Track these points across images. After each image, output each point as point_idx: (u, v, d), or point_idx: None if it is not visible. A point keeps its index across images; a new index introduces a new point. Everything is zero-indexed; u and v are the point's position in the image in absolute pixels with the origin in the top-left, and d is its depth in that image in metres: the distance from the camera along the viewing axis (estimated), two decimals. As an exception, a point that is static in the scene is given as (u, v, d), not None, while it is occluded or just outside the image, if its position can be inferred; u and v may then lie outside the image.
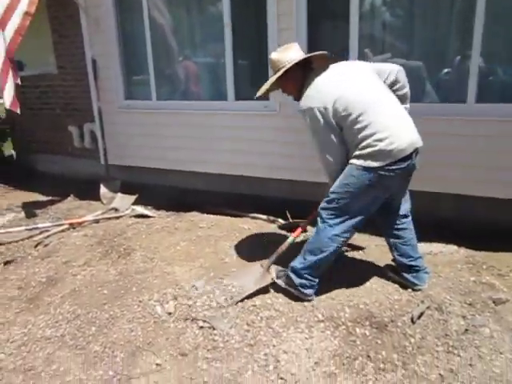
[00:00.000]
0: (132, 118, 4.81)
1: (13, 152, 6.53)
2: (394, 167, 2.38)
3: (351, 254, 3.30)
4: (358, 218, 2.57)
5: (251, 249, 3.41)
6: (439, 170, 3.40)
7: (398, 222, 2.74)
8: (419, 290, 2.74)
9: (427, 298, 2.65)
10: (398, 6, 3.58)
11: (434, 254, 3.26)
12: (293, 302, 2.69)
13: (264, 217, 4.06)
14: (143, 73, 4.74)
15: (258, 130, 4.08)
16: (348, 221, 2.56)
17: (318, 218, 2.65)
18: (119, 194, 4.85)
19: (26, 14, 3.91)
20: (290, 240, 2.96)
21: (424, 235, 3.31)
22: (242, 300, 2.72)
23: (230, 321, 2.57)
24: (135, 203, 4.63)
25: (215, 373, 2.21)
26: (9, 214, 4.67)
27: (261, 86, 2.74)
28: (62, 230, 4.06)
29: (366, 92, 2.47)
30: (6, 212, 4.74)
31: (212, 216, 4.18)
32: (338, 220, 2.56)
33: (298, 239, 2.98)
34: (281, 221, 3.91)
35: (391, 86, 2.59)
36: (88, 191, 5.00)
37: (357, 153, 2.43)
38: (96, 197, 4.89)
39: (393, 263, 2.91)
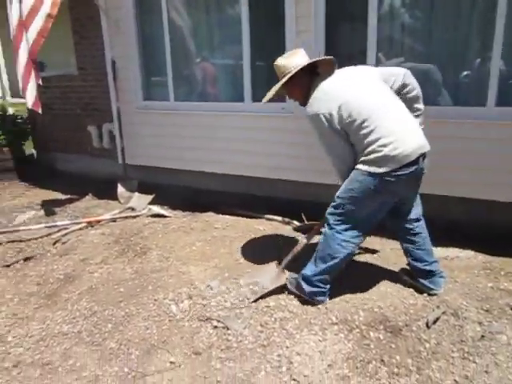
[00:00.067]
0: (150, 119, 4.87)
1: (33, 151, 6.65)
2: (399, 173, 2.36)
3: (366, 257, 3.29)
4: (366, 223, 2.57)
5: (266, 250, 3.42)
6: (457, 173, 3.36)
7: (409, 226, 2.71)
8: (435, 294, 2.71)
9: (443, 303, 2.62)
10: (417, 8, 3.55)
11: (451, 258, 3.22)
12: (307, 304, 2.69)
13: (279, 218, 4.07)
14: (161, 74, 4.79)
15: (274, 132, 4.08)
16: (355, 226, 2.56)
17: (326, 224, 2.65)
18: (136, 194, 4.91)
19: (49, 16, 3.99)
20: (305, 240, 2.96)
21: (440, 240, 3.29)
22: (256, 300, 2.74)
23: (243, 321, 2.58)
24: (152, 203, 4.68)
25: (228, 372, 2.22)
26: (29, 211, 4.77)
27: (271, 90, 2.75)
28: (80, 228, 4.14)
29: (371, 98, 2.47)
30: (27, 209, 4.84)
31: (227, 217, 4.21)
32: (345, 226, 2.56)
33: (314, 240, 2.97)
34: (296, 223, 3.91)
35: (400, 89, 2.57)
36: (106, 190, 5.07)
37: (362, 158, 2.42)
38: (113, 196, 4.96)
39: (408, 267, 2.89)
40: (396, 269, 3.00)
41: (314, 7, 3.65)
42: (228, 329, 2.52)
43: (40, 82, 4.18)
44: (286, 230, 3.82)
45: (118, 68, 4.91)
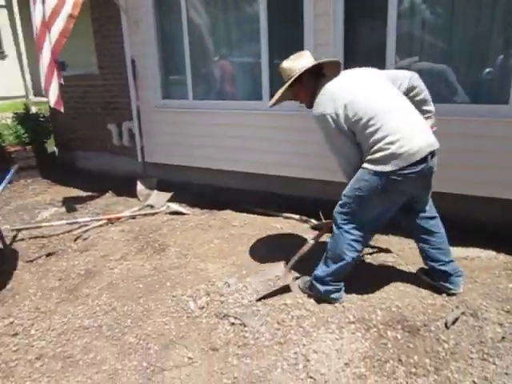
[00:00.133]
0: (168, 117, 4.91)
1: (55, 149, 6.78)
2: (406, 171, 2.34)
3: (384, 256, 3.27)
4: (374, 222, 2.56)
5: (283, 248, 3.43)
6: (478, 172, 3.31)
7: (425, 225, 2.68)
8: (453, 294, 2.68)
9: (462, 304, 2.59)
10: (438, 4, 3.50)
11: (471, 259, 3.18)
12: (323, 303, 2.69)
13: (297, 216, 4.07)
14: (180, 73, 4.83)
15: (293, 131, 4.08)
16: (363, 225, 2.55)
17: (334, 224, 2.64)
18: (155, 191, 4.96)
19: (70, 16, 4.06)
20: (310, 243, 2.94)
21: (461, 240, 3.25)
22: (260, 299, 2.75)
23: (260, 318, 2.60)
24: (170, 200, 4.73)
25: (245, 369, 2.24)
26: (51, 208, 4.87)
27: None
28: (101, 225, 4.21)
29: (376, 96, 2.46)
30: (49, 206, 4.94)
31: (245, 214, 4.23)
32: (352, 225, 2.55)
33: (322, 239, 2.98)
34: (313, 221, 3.90)
35: (407, 92, 2.57)
36: (125, 188, 5.14)
37: (369, 157, 2.41)
38: (133, 193, 5.02)
39: (426, 267, 2.86)
40: (415, 268, 2.98)
41: (332, 5, 3.64)
42: (245, 326, 2.54)
43: (62, 82, 4.26)
44: (304, 229, 3.83)
45: (138, 67, 4.97)
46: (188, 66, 4.70)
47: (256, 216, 4.18)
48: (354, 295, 2.73)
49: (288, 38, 4.13)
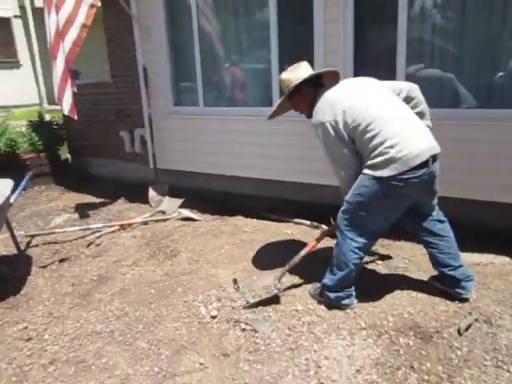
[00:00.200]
0: (180, 124, 4.96)
1: (68, 156, 6.87)
2: (406, 176, 2.33)
3: (396, 262, 3.25)
4: (377, 228, 2.55)
5: (293, 254, 3.43)
6: (491, 177, 3.28)
7: (431, 229, 2.66)
8: (465, 299, 2.65)
9: (475, 310, 2.56)
10: (449, 9, 3.49)
11: (484, 264, 3.14)
12: (335, 309, 2.68)
13: (307, 222, 4.07)
14: (191, 80, 4.88)
15: (305, 137, 4.08)
16: (366, 231, 2.54)
17: (337, 231, 2.64)
18: (167, 198, 5.00)
19: (83, 26, 4.13)
20: (302, 253, 2.92)
21: (474, 245, 3.23)
22: (248, 307, 2.75)
23: (271, 324, 2.59)
24: (182, 206, 4.75)
25: (256, 375, 2.24)
26: (64, 214, 4.93)
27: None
28: (113, 231, 4.25)
29: (374, 103, 2.47)
30: (62, 212, 5.00)
31: (256, 220, 4.24)
32: (355, 232, 2.54)
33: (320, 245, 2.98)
34: (324, 227, 3.89)
35: (405, 102, 2.57)
36: (137, 194, 5.19)
37: (369, 162, 2.41)
38: (145, 200, 5.06)
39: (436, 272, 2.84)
40: (427, 274, 2.95)
41: (342, 12, 3.65)
42: (256, 331, 2.54)
43: (75, 90, 4.33)
44: (315, 234, 3.81)
45: (150, 75, 5.03)
46: (199, 73, 4.74)
47: (267, 222, 4.18)
48: (366, 301, 2.72)
49: (298, 45, 4.16)
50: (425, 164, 2.35)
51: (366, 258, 3.22)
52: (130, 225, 4.37)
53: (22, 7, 12.52)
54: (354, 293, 2.68)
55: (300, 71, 2.69)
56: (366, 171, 2.43)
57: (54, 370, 2.40)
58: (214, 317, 2.71)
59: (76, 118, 4.41)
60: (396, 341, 2.39)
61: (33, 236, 4.22)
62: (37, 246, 4.05)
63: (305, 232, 3.90)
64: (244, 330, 2.57)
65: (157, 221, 4.48)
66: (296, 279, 3.06)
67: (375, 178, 2.38)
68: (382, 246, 3.51)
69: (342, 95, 2.55)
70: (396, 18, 3.49)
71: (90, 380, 2.30)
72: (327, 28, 3.76)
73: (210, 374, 2.27)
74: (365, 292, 2.74)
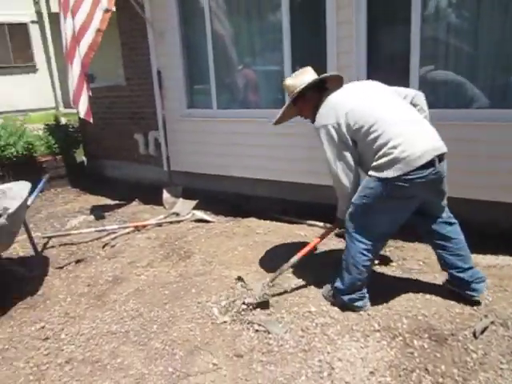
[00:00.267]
0: (193, 126, 4.99)
1: (84, 158, 6.97)
2: (411, 177, 2.31)
3: (410, 263, 3.23)
4: (385, 229, 2.54)
5: (306, 255, 3.44)
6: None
7: (440, 231, 2.62)
8: (477, 300, 2.61)
9: (491, 313, 2.53)
10: (464, 9, 3.47)
11: (501, 267, 3.10)
12: (348, 311, 2.67)
13: (320, 224, 4.06)
14: (204, 82, 4.92)
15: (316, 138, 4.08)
16: (374, 233, 2.53)
17: (346, 234, 2.64)
18: (181, 199, 5.04)
19: (98, 30, 4.19)
20: (293, 260, 2.91)
21: (490, 247, 3.19)
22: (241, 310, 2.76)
23: (284, 326, 2.60)
24: (195, 208, 4.79)
25: (269, 376, 2.24)
26: (80, 216, 5.00)
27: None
28: (128, 233, 4.29)
29: (377, 103, 2.47)
30: (78, 214, 5.08)
31: (269, 222, 4.25)
32: (363, 234, 2.53)
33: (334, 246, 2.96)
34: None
35: None
36: (152, 196, 5.24)
37: (374, 164, 2.40)
38: (159, 202, 5.11)
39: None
40: (441, 276, 2.92)
41: (355, 13, 3.64)
42: (269, 333, 2.55)
43: (90, 94, 4.39)
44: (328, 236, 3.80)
45: (164, 77, 5.08)
46: (212, 76, 4.77)
47: (280, 223, 4.19)
48: (379, 303, 2.70)
49: (311, 46, 4.16)
50: (430, 164, 2.33)
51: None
52: (144, 226, 4.41)
53: (38, 12, 12.73)
54: (366, 295, 2.67)
55: (304, 77, 2.71)
56: (371, 173, 2.43)
57: (71, 369, 2.44)
58: (225, 321, 2.71)
59: (92, 121, 4.48)
60: (410, 343, 2.37)
61: (49, 237, 4.29)
62: (53, 247, 4.12)
63: (318, 234, 3.87)
64: (257, 331, 2.58)
65: (171, 222, 4.51)
66: (309, 281, 3.05)
67: (380, 179, 2.37)
68: (396, 247, 3.50)
69: (344, 98, 2.56)
70: (409, 18, 3.47)
71: (106, 379, 2.33)
72: (340, 29, 3.76)
73: (224, 374, 2.29)
74: (379, 294, 2.73)
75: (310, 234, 3.90)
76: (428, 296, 2.76)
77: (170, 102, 5.11)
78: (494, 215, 3.42)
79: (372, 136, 2.39)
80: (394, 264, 3.25)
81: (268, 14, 4.40)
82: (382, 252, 3.37)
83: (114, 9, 4.24)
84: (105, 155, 6.48)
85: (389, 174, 2.33)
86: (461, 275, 2.62)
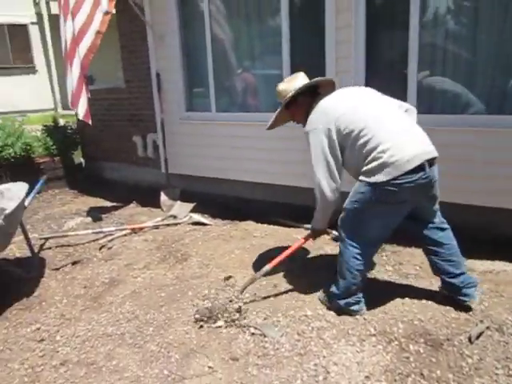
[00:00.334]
0: (192, 129, 5.00)
1: (82, 160, 6.97)
2: (401, 181, 2.31)
3: (406, 268, 3.23)
4: (378, 234, 2.55)
5: (303, 259, 3.44)
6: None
7: (432, 236, 2.62)
8: (467, 305, 2.61)
9: (487, 318, 2.54)
10: (462, 16, 3.49)
11: (497, 272, 3.11)
12: (344, 315, 2.67)
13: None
14: (203, 85, 4.93)
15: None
16: (366, 237, 2.54)
17: (340, 240, 2.65)
18: (178, 202, 5.03)
19: (98, 32, 4.19)
20: (265, 269, 2.91)
21: (486, 253, 3.20)
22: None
23: (280, 329, 2.60)
24: (193, 211, 4.78)
25: (265, 379, 2.24)
26: (77, 217, 4.99)
27: None
28: (125, 235, 4.29)
29: (367, 108, 2.49)
30: (75, 216, 5.07)
31: (266, 225, 4.25)
32: (355, 238, 2.54)
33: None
34: (335, 232, 3.87)
35: None
36: (149, 198, 5.24)
37: (364, 169, 2.41)
38: (157, 204, 5.11)
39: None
40: (437, 281, 2.91)
41: (354, 18, 3.66)
42: (265, 336, 2.54)
43: (89, 95, 4.40)
44: (325, 240, 3.81)
45: (163, 80, 5.09)
46: (211, 79, 4.78)
47: (277, 227, 4.19)
48: (376, 308, 2.71)
49: (310, 51, 4.18)
50: (420, 168, 2.33)
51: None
52: (141, 229, 4.41)
53: (38, 14, 12.76)
54: (362, 299, 2.67)
55: (296, 81, 2.73)
56: (361, 178, 2.44)
57: (66, 371, 2.43)
58: (219, 326, 2.70)
59: (91, 122, 4.48)
60: (406, 348, 2.37)
61: (46, 239, 4.28)
62: (50, 248, 4.12)
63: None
64: (253, 334, 2.58)
65: (168, 225, 4.51)
66: (305, 284, 3.05)
67: (369, 183, 2.38)
68: (393, 252, 3.50)
69: (336, 103, 2.58)
70: (408, 23, 3.49)
71: (101, 382, 2.32)
72: (339, 34, 3.77)
73: (219, 377, 2.28)
74: (375, 298, 2.73)
75: (307, 237, 3.89)
76: (424, 301, 2.76)
77: (169, 105, 5.12)
78: (486, 220, 3.43)
79: (362, 141, 2.40)
80: (390, 269, 3.25)
81: (267, 18, 4.42)
82: (379, 256, 3.39)
83: (113, 11, 4.26)
84: (103, 157, 6.48)
85: (378, 178, 2.34)
86: (452, 281, 2.62)
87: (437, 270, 2.69)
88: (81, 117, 4.50)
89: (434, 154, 2.42)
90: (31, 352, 2.61)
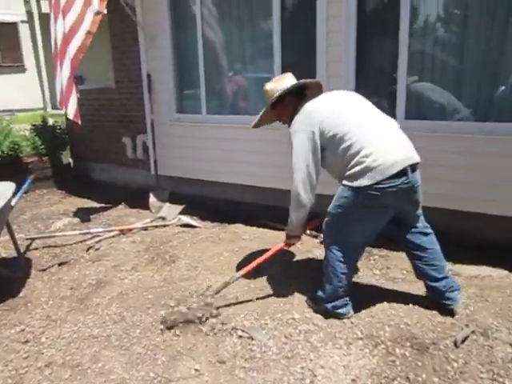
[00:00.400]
0: (182, 131, 4.99)
1: (70, 160, 6.91)
2: (384, 185, 2.34)
3: (394, 272, 3.25)
4: (361, 238, 2.57)
5: (291, 262, 3.45)
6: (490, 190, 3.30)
7: (415, 241, 2.64)
8: (450, 309, 2.64)
9: (472, 322, 2.56)
10: (451, 23, 3.54)
11: (482, 277, 3.14)
12: (332, 318, 2.68)
13: (307, 232, 4.06)
14: (194, 87, 4.92)
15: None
16: (350, 241, 2.56)
17: (324, 244, 2.67)
18: (167, 204, 5.01)
19: (88, 33, 4.17)
20: (237, 275, 2.92)
21: (472, 258, 3.23)
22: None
23: (268, 332, 2.60)
24: (182, 213, 4.77)
25: (251, 382, 2.24)
26: (64, 218, 4.95)
27: None
28: (113, 236, 4.26)
29: (352, 113, 2.51)
30: (63, 216, 5.02)
31: (255, 228, 4.25)
32: (340, 242, 2.57)
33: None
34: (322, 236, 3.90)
35: None
36: (138, 200, 5.21)
37: (347, 173, 2.43)
38: (145, 205, 5.08)
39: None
40: (424, 285, 2.95)
41: (344, 22, 3.69)
42: (252, 339, 2.54)
43: (78, 95, 4.37)
44: (314, 243, 3.83)
45: (153, 81, 5.07)
46: (202, 81, 4.78)
47: (266, 230, 4.19)
48: (363, 311, 2.72)
49: (301, 55, 4.20)
50: (403, 173, 2.36)
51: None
52: (129, 230, 4.38)
53: (28, 12, 12.66)
54: (349, 302, 2.68)
55: (284, 82, 2.74)
56: (344, 182, 2.46)
57: (50, 373, 2.40)
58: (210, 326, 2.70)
59: (80, 122, 4.45)
60: (392, 351, 2.39)
61: (33, 239, 4.23)
62: (37, 249, 4.07)
63: (303, 241, 3.89)
64: (240, 337, 2.57)
65: (156, 226, 4.49)
66: (293, 287, 3.05)
67: (353, 188, 2.40)
68: (381, 256, 3.52)
69: (321, 106, 2.60)
70: (398, 29, 3.52)
71: (86, 384, 2.30)
72: (330, 38, 3.80)
73: (206, 380, 2.27)
74: (362, 302, 2.74)
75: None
76: (411, 305, 2.78)
77: (160, 106, 5.11)
78: (470, 226, 3.47)
79: (345, 144, 2.42)
80: (378, 272, 3.27)
81: (259, 22, 4.43)
82: (367, 261, 3.41)
83: (105, 11, 4.24)
84: (93, 158, 6.43)
85: (361, 182, 2.36)
86: (434, 285, 2.64)
87: (420, 274, 2.71)
88: (71, 117, 4.47)
89: (417, 159, 2.45)
90: (15, 353, 2.57)
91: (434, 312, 2.69)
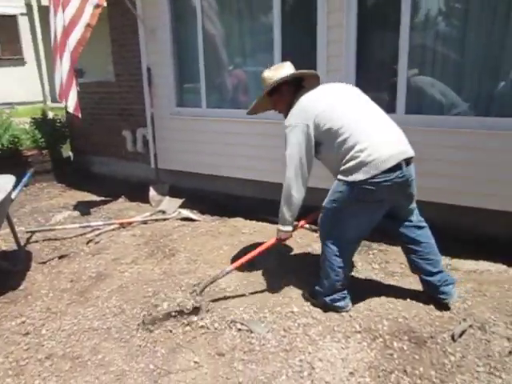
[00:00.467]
0: (182, 125, 4.99)
1: (70, 154, 6.91)
2: (379, 180, 2.34)
3: (392, 266, 3.27)
4: (357, 232, 2.58)
5: (290, 256, 3.46)
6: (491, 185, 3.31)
7: (409, 234, 2.65)
8: (445, 303, 2.65)
9: (470, 317, 2.58)
10: (452, 17, 3.53)
11: (481, 272, 3.16)
12: (330, 311, 2.70)
13: (307, 226, 4.07)
14: (194, 81, 4.91)
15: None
16: (346, 236, 2.56)
17: (320, 239, 2.68)
18: (167, 198, 5.02)
19: (88, 25, 4.16)
20: (227, 269, 2.91)
21: (471, 253, 3.24)
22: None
23: (267, 325, 2.61)
24: (182, 206, 4.78)
25: (250, 374, 2.26)
26: (65, 211, 4.96)
27: None
28: (113, 229, 4.27)
29: (347, 107, 2.51)
30: (63, 210, 5.03)
31: (255, 222, 4.26)
32: (335, 237, 2.58)
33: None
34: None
35: None
36: (138, 193, 5.22)
37: (342, 168, 2.44)
38: (145, 199, 5.09)
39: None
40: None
41: (345, 17, 3.68)
42: (251, 332, 2.56)
43: (78, 88, 4.36)
44: (313, 237, 3.84)
45: (153, 75, 5.06)
46: (202, 75, 4.77)
47: (266, 224, 4.20)
48: (361, 305, 2.74)
49: (301, 49, 4.19)
50: (397, 167, 2.36)
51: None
52: (129, 223, 4.39)
53: (28, 5, 12.59)
54: (348, 295, 2.70)
55: (282, 70, 2.73)
56: (339, 177, 2.47)
57: (51, 364, 2.42)
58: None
59: (80, 115, 4.45)
60: (390, 345, 2.41)
61: (33, 232, 4.24)
62: (37, 242, 4.08)
63: (303, 235, 3.91)
64: (240, 330, 2.59)
65: (156, 220, 4.50)
66: (292, 281, 3.07)
67: (348, 182, 2.41)
68: (380, 250, 3.54)
69: (316, 100, 2.59)
70: (399, 23, 3.51)
71: (86, 376, 2.32)
72: (330, 33, 3.79)
73: (205, 372, 2.29)
74: (360, 296, 2.76)
75: (295, 235, 3.90)
76: (409, 299, 2.79)
77: (159, 100, 5.10)
78: (468, 221, 3.48)
79: (339, 139, 2.43)
80: (376, 267, 3.29)
81: (260, 16, 4.41)
82: (365, 255, 3.42)
83: (104, 4, 4.23)
84: (92, 151, 6.43)
85: (356, 177, 2.37)
86: (429, 279, 2.65)
87: (415, 268, 2.72)
88: (71, 110, 4.47)
89: (411, 153, 2.45)
90: (16, 345, 2.59)
91: (431, 306, 2.70)
